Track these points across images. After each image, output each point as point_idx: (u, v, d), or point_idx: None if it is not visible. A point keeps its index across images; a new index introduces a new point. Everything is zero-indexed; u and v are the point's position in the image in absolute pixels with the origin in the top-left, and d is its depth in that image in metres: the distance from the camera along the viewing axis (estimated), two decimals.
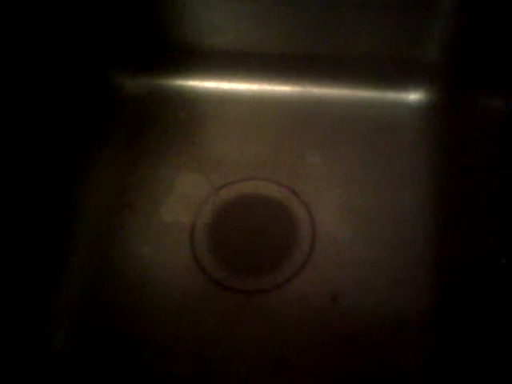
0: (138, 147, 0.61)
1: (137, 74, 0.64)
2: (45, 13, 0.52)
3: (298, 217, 0.56)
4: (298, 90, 0.63)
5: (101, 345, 0.51)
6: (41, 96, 0.53)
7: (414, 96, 0.61)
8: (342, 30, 0.58)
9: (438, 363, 0.48)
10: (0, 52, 0.48)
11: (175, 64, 0.63)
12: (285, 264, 0.54)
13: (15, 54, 0.49)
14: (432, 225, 0.55)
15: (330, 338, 0.50)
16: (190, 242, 0.55)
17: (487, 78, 0.53)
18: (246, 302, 0.52)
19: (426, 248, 0.53)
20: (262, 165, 0.59)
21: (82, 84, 0.58)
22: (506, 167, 0.47)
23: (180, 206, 0.57)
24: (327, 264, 0.53)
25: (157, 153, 0.60)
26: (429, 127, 0.59)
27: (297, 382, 0.49)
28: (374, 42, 0.58)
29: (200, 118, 0.62)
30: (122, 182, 0.59)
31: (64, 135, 0.56)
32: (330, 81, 0.62)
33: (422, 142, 0.59)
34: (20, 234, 0.49)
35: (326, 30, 0.58)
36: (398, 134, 0.60)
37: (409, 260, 0.53)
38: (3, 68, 0.48)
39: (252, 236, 0.56)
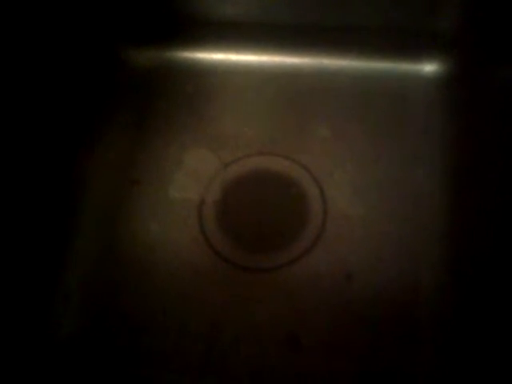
0: (146, 121, 0.60)
1: (144, 47, 0.63)
2: None
3: (309, 193, 0.55)
4: (308, 61, 0.61)
5: (109, 325, 0.51)
6: (46, 70, 0.53)
7: (429, 68, 0.59)
8: None
9: (455, 340, 0.48)
10: (7, 25, 0.48)
11: (183, 36, 0.61)
12: (296, 241, 0.53)
13: (22, 29, 0.49)
14: (446, 200, 0.54)
15: (344, 317, 0.50)
16: (198, 219, 0.55)
17: (504, 49, 0.52)
18: (256, 280, 0.52)
19: (441, 224, 0.53)
20: (271, 139, 0.58)
21: (88, 57, 0.58)
22: None
23: (188, 182, 0.56)
24: (340, 241, 0.53)
25: (165, 127, 0.59)
26: (444, 100, 0.58)
27: (309, 361, 0.49)
28: (387, 11, 0.56)
29: (208, 91, 0.61)
30: (130, 157, 0.58)
31: (71, 110, 0.55)
32: (342, 52, 0.60)
33: (437, 115, 0.58)
34: (26, 213, 0.49)
35: (338, 0, 0.56)
36: (412, 107, 0.58)
37: (423, 236, 0.52)
38: (12, 42, 0.48)
39: (262, 212, 0.55)
